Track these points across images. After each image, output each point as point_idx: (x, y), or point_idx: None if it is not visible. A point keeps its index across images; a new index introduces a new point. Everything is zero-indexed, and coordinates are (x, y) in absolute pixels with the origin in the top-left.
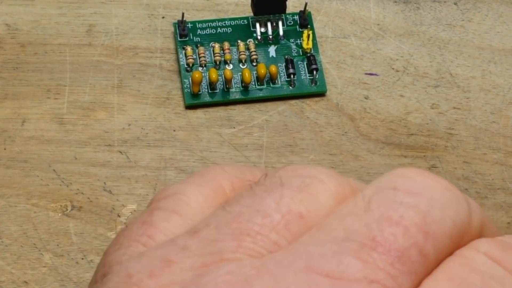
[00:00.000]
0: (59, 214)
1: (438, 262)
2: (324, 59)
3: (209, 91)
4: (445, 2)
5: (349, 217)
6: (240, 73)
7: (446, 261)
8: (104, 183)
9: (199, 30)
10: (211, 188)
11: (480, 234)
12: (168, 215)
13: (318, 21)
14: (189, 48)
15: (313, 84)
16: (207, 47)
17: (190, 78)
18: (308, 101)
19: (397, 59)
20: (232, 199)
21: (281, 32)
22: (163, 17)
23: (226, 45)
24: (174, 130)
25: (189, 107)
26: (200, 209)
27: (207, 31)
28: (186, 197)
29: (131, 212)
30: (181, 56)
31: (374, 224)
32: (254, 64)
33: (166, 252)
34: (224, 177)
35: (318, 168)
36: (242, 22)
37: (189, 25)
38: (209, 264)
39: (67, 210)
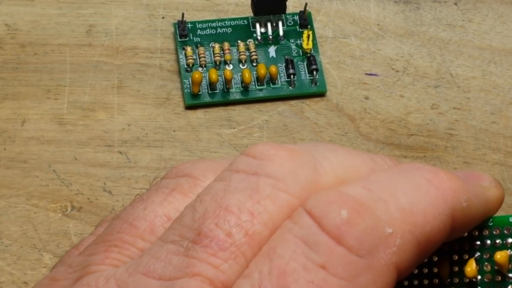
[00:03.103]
0: (59, 215)
1: None
2: (324, 59)
3: (209, 92)
4: (445, 2)
5: (187, 214)
6: (240, 74)
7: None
8: (104, 183)
9: (199, 30)
10: None
11: (339, 183)
12: (90, 237)
13: (318, 21)
14: (189, 48)
15: (313, 85)
16: (207, 47)
17: (190, 79)
18: (308, 101)
19: (397, 59)
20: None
21: (281, 32)
22: (163, 17)
23: (226, 45)
24: (174, 131)
25: (189, 107)
26: None
27: (207, 31)
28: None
29: None
30: (181, 56)
31: (201, 219)
32: (254, 64)
33: (56, 271)
34: None
35: (196, 163)
36: (242, 22)
37: (189, 25)
38: (80, 278)
39: (67, 210)
